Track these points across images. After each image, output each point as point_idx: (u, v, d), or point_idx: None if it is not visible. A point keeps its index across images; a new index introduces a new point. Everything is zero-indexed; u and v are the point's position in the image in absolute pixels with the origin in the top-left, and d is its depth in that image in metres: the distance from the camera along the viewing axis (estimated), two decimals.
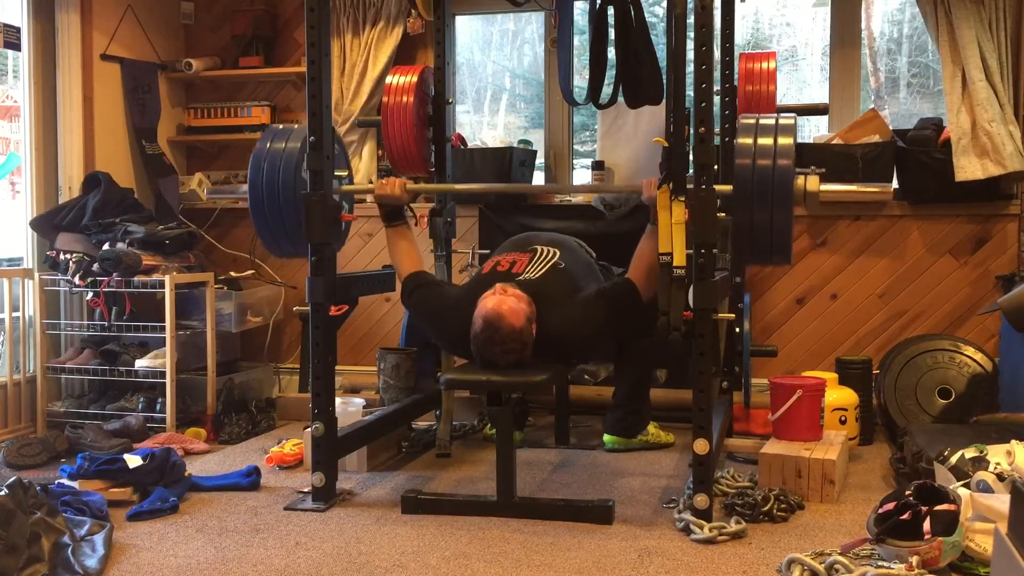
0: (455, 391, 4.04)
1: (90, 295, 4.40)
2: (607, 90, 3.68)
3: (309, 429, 3.33)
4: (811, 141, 4.46)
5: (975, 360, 3.98)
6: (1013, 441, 2.84)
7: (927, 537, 2.46)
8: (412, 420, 4.10)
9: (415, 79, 3.91)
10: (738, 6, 4.17)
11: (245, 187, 3.44)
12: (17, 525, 2.54)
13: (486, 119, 5.56)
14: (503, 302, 3.11)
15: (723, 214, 3.03)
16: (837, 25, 4.67)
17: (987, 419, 3.55)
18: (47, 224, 4.51)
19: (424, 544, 2.84)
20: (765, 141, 2.92)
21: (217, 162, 5.31)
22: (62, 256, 4.37)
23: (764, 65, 4.00)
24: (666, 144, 3.02)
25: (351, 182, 3.80)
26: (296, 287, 5.08)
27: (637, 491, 3.37)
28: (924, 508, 2.52)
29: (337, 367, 3.45)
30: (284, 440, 3.94)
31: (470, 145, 4.83)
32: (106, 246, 4.35)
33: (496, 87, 5.71)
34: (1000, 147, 4.13)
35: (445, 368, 3.89)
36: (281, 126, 3.56)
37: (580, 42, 4.50)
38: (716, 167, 2.96)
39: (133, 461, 3.29)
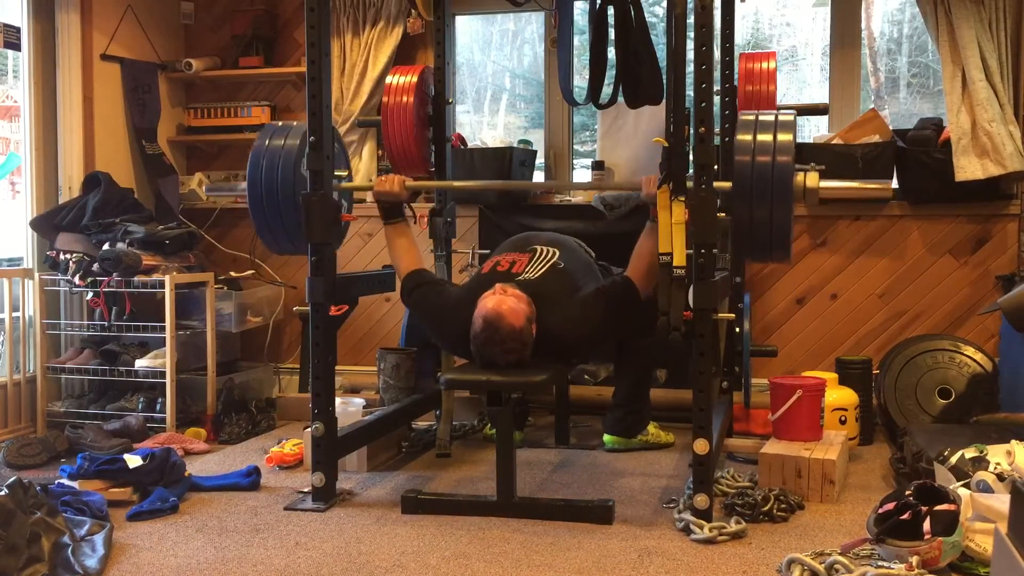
0: (455, 391, 4.04)
1: (90, 295, 4.40)
2: (607, 90, 3.68)
3: (309, 429, 3.33)
4: (811, 141, 4.46)
5: (975, 360, 3.98)
6: (1013, 441, 2.84)
7: (927, 537, 2.46)
8: (412, 420, 4.10)
9: (415, 79, 3.91)
10: (738, 6, 4.17)
11: (244, 184, 3.44)
12: (17, 525, 2.54)
13: (486, 119, 5.56)
14: (503, 302, 3.11)
15: (723, 214, 3.03)
16: (837, 25, 4.67)
17: (987, 419, 3.55)
18: (47, 224, 4.51)
19: (424, 544, 2.84)
20: (764, 137, 2.92)
21: (217, 162, 5.31)
22: (62, 256, 4.37)
23: (764, 65, 4.01)
24: (666, 144, 3.02)
25: (351, 182, 3.80)
26: (296, 287, 5.08)
27: (637, 491, 3.37)
28: (924, 508, 2.52)
29: (337, 367, 3.46)
30: (284, 440, 3.94)
31: (470, 145, 4.83)
32: (106, 246, 4.35)
33: (496, 87, 5.71)
34: (1000, 147, 4.13)
35: (445, 368, 3.89)
36: (280, 123, 3.56)
37: (580, 42, 4.50)
38: (716, 167, 2.95)
39: (133, 461, 3.29)
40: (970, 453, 2.86)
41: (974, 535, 2.51)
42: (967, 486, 2.70)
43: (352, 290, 3.55)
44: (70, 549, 2.64)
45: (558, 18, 3.63)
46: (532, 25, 5.40)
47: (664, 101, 3.31)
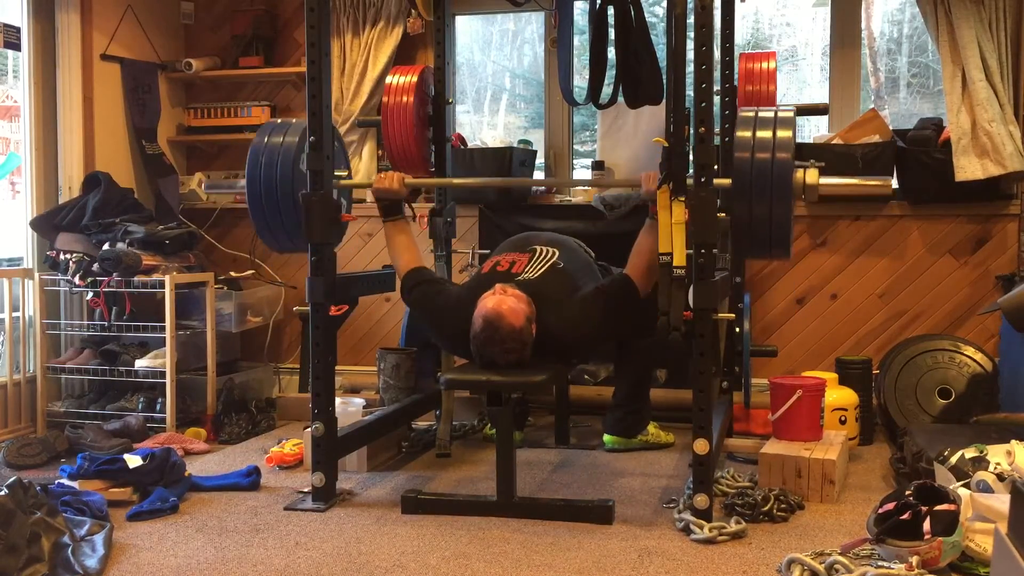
0: (455, 391, 4.04)
1: (90, 295, 4.40)
2: (607, 90, 3.68)
3: (309, 429, 3.33)
4: (811, 141, 4.46)
5: (975, 360, 3.98)
6: (1013, 441, 2.84)
7: (927, 537, 2.46)
8: (412, 420, 4.10)
9: (415, 79, 3.91)
10: (738, 6, 4.17)
11: (243, 182, 3.43)
12: (17, 525, 2.54)
13: (486, 119, 5.56)
14: (503, 302, 3.11)
15: (723, 214, 3.03)
16: (837, 25, 4.67)
17: (987, 419, 3.55)
18: (47, 224, 4.51)
19: (424, 544, 2.84)
20: (764, 134, 2.92)
21: (217, 162, 5.31)
22: (62, 256, 4.37)
23: (764, 65, 4.01)
24: (666, 144, 3.02)
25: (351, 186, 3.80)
26: (296, 287, 5.08)
27: (637, 491, 3.37)
28: (924, 508, 2.52)
29: (337, 367, 3.46)
30: (284, 440, 3.94)
31: (470, 145, 4.83)
32: (106, 246, 4.35)
33: (496, 87, 5.71)
34: (1000, 147, 4.13)
35: (445, 368, 3.89)
36: (279, 120, 3.56)
37: (580, 42, 4.50)
38: (716, 167, 2.95)
39: (133, 461, 3.29)
40: (970, 453, 2.86)
41: (974, 535, 2.51)
42: (967, 486, 2.70)
43: (352, 290, 3.55)
44: (70, 549, 2.64)
45: (558, 18, 3.63)
46: (532, 25, 5.40)
47: (664, 101, 3.31)
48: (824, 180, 3.01)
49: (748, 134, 2.93)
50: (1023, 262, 4.29)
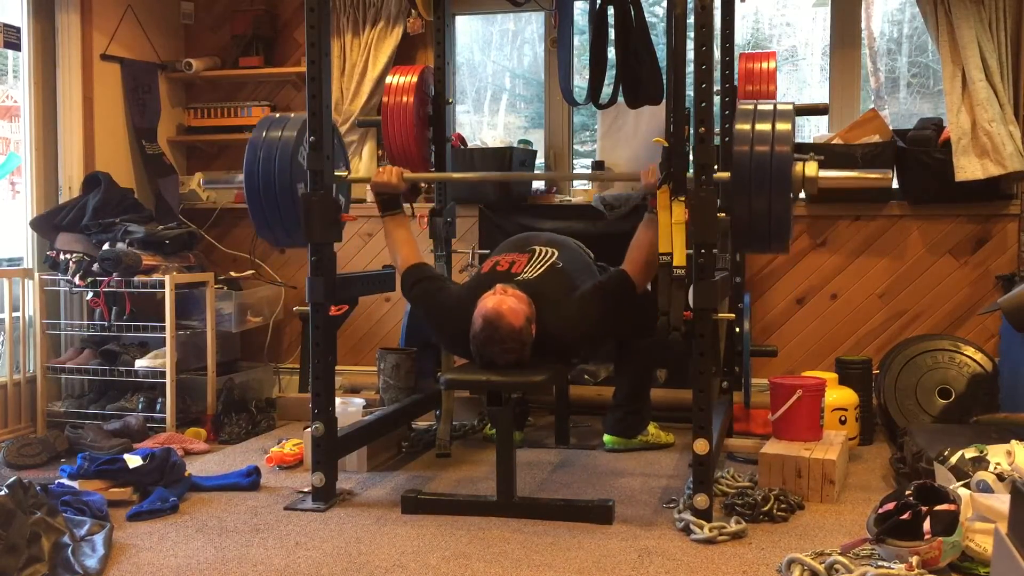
0: (455, 391, 4.04)
1: (90, 295, 4.40)
2: (607, 90, 3.68)
3: (309, 429, 3.33)
4: (811, 141, 4.46)
5: (975, 360, 3.98)
6: (1013, 441, 2.84)
7: (927, 537, 2.46)
8: (412, 420, 4.10)
9: (415, 79, 3.91)
10: (738, 6, 4.17)
11: (241, 177, 3.42)
12: (17, 525, 2.54)
13: (486, 119, 5.56)
14: (503, 302, 3.12)
15: (723, 214, 3.03)
16: (837, 25, 4.67)
17: (987, 419, 3.55)
18: (47, 224, 4.51)
19: (424, 544, 2.84)
20: (763, 127, 2.91)
21: (217, 162, 5.31)
22: (62, 256, 4.37)
23: (764, 65, 4.00)
24: (666, 144, 3.02)
25: (350, 183, 3.80)
26: (296, 287, 5.08)
27: (637, 491, 3.37)
28: (924, 508, 2.52)
29: (337, 367, 3.46)
30: (284, 440, 3.94)
31: (470, 145, 4.83)
32: (106, 246, 4.35)
33: (496, 87, 5.71)
34: (1000, 147, 4.13)
35: (445, 368, 3.89)
36: (277, 115, 3.55)
37: (580, 42, 4.50)
38: (716, 167, 2.95)
39: (133, 461, 3.29)
40: (970, 453, 2.86)
41: (974, 535, 2.51)
42: (967, 486, 2.70)
43: (352, 290, 3.55)
44: (70, 549, 2.64)
45: (558, 18, 3.63)
46: (532, 25, 5.40)
47: (664, 101, 3.31)
48: (823, 173, 3.00)
49: (747, 127, 2.93)
50: (1023, 262, 4.29)
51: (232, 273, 4.85)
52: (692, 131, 2.91)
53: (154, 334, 4.39)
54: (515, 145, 4.75)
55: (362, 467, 3.67)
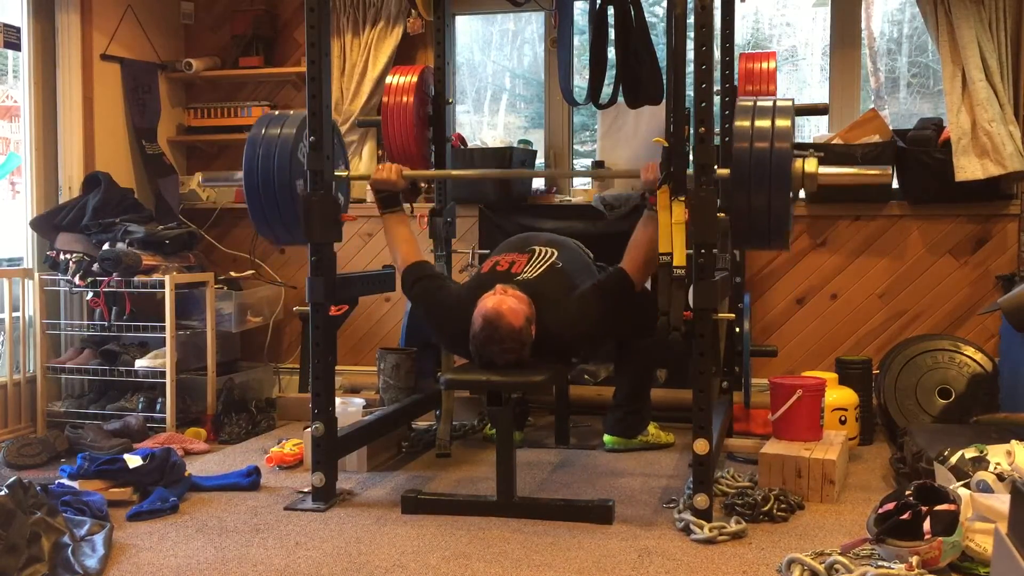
0: (455, 391, 4.04)
1: (90, 295, 4.40)
2: (607, 90, 3.68)
3: (309, 429, 3.33)
4: (811, 141, 4.46)
5: (975, 360, 3.98)
6: (1013, 441, 2.84)
7: (927, 537, 2.46)
8: (412, 420, 4.10)
9: (415, 79, 3.91)
10: (738, 6, 4.17)
11: (240, 174, 3.42)
12: (17, 525, 2.54)
13: (486, 119, 5.56)
14: (503, 302, 3.12)
15: (723, 214, 3.03)
16: (837, 25, 4.67)
17: (987, 419, 3.55)
18: (47, 224, 4.51)
19: (424, 544, 2.84)
20: (763, 124, 2.91)
21: (217, 162, 5.31)
22: (62, 256, 4.37)
23: (764, 65, 4.00)
24: (666, 144, 3.02)
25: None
26: (296, 287, 5.08)
27: (637, 491, 3.37)
28: (924, 508, 2.52)
29: (337, 367, 3.46)
30: (284, 440, 3.94)
31: (470, 145, 4.83)
32: (106, 246, 4.35)
33: (496, 87, 5.71)
34: (1000, 147, 4.13)
35: (445, 368, 3.89)
36: (277, 112, 3.55)
37: (580, 42, 4.50)
38: (716, 167, 2.95)
39: (133, 461, 3.29)
40: (970, 453, 2.86)
41: (974, 535, 2.51)
42: (967, 486, 2.70)
43: (352, 290, 3.55)
44: (70, 549, 2.64)
45: (558, 18, 3.63)
46: (532, 25, 5.40)
47: (664, 101, 3.31)
48: (823, 169, 3.00)
49: (747, 123, 2.92)
50: (1023, 262, 4.29)
51: (232, 273, 4.85)
52: (692, 131, 2.91)
53: (154, 334, 4.39)
54: (515, 145, 4.75)
55: (362, 467, 3.67)
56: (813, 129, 4.93)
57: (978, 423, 3.54)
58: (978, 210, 4.38)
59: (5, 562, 2.45)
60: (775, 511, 3.03)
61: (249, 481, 3.47)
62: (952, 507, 2.51)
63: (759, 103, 2.99)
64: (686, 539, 2.86)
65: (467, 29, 5.46)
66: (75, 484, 3.20)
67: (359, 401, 4.16)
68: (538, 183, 4.94)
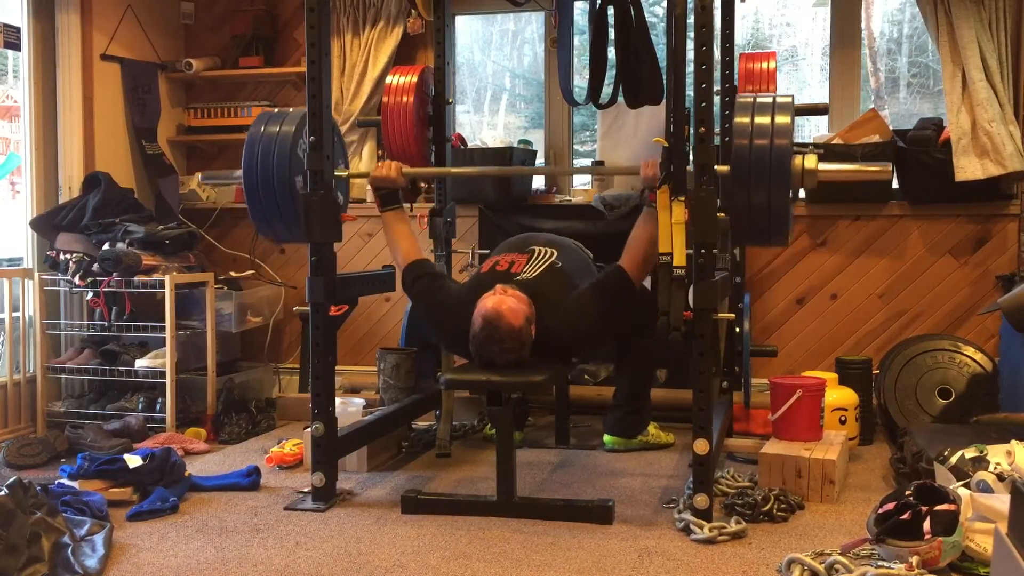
0: (455, 391, 4.04)
1: (90, 295, 4.40)
2: (607, 90, 3.68)
3: (309, 429, 3.33)
4: (811, 141, 4.46)
5: (975, 360, 3.98)
6: (1013, 441, 2.84)
7: (927, 537, 2.46)
8: (412, 420, 4.10)
9: (415, 79, 3.91)
10: (738, 6, 4.17)
11: (239, 172, 3.42)
12: (17, 525, 2.54)
13: (486, 119, 5.56)
14: (503, 302, 3.12)
15: (723, 214, 3.03)
16: (837, 25, 4.67)
17: (987, 419, 3.55)
18: (47, 224, 4.51)
19: (424, 544, 2.84)
20: (762, 120, 2.91)
21: (217, 162, 5.30)
22: (62, 256, 4.37)
23: (764, 65, 4.00)
24: (666, 144, 3.02)
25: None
26: (296, 287, 5.08)
27: (637, 491, 3.37)
28: (924, 508, 2.52)
29: (337, 367, 3.46)
30: (284, 440, 3.94)
31: (470, 145, 4.83)
32: (106, 246, 4.35)
33: (496, 87, 5.71)
34: (1000, 147, 4.13)
35: (445, 368, 3.89)
36: (276, 109, 3.55)
37: (580, 42, 4.50)
38: (716, 167, 2.95)
39: (133, 461, 3.29)
40: (970, 453, 2.86)
41: (974, 535, 2.51)
42: (967, 486, 2.70)
43: (352, 290, 3.55)
44: (70, 549, 2.64)
45: (558, 18, 3.63)
46: (532, 25, 5.40)
47: (664, 101, 3.31)
48: (823, 166, 3.00)
49: (746, 120, 2.92)
50: (1023, 262, 4.29)
51: (232, 273, 4.85)
52: (692, 131, 2.91)
53: (154, 334, 4.39)
54: (515, 145, 4.75)
55: (362, 467, 3.67)
56: (813, 129, 4.93)
57: (978, 423, 3.54)
58: (978, 210, 4.38)
59: (5, 562, 2.45)
60: (775, 511, 3.03)
61: (249, 481, 3.47)
62: (952, 507, 2.51)
63: (759, 99, 2.99)
64: (686, 539, 2.86)
65: (467, 29, 5.46)
66: (75, 484, 3.20)
67: (359, 401, 4.16)
68: (538, 183, 4.94)
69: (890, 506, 2.59)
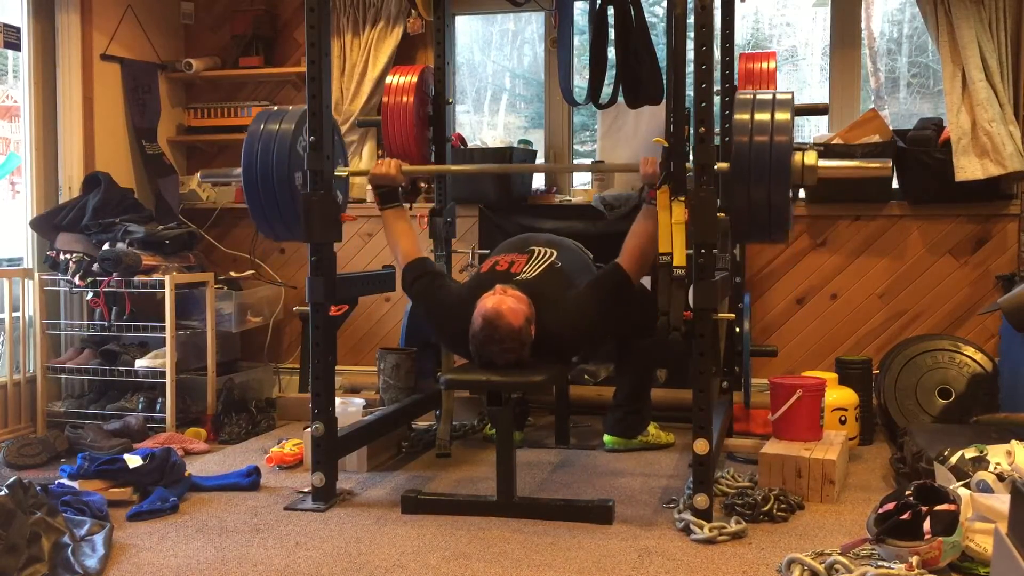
0: (455, 391, 4.04)
1: (90, 295, 4.40)
2: (607, 90, 3.68)
3: (309, 429, 3.33)
4: (811, 141, 4.46)
5: (975, 360, 3.98)
6: (1013, 441, 2.84)
7: (927, 537, 2.46)
8: (412, 420, 4.10)
9: (415, 79, 3.91)
10: (738, 6, 4.17)
11: (239, 170, 3.41)
12: (17, 525, 2.54)
13: (486, 119, 5.56)
14: (502, 302, 3.12)
15: (723, 215, 3.02)
16: (837, 25, 4.67)
17: (987, 419, 3.55)
18: (47, 224, 4.51)
19: (424, 544, 2.84)
20: (762, 117, 2.91)
21: (217, 162, 5.30)
22: (62, 256, 4.37)
23: (764, 65, 4.01)
24: (666, 144, 3.02)
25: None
26: (296, 287, 5.08)
27: (637, 491, 3.37)
28: (924, 508, 2.52)
29: (337, 367, 3.46)
30: (284, 440, 3.94)
31: (470, 145, 4.83)
32: (106, 246, 4.35)
33: (496, 87, 5.71)
34: (1000, 147, 4.13)
35: (445, 368, 3.89)
36: (276, 107, 3.55)
37: (580, 42, 4.50)
38: (716, 167, 2.95)
39: (133, 461, 3.29)
40: (970, 453, 2.86)
41: (974, 535, 2.51)
42: (967, 486, 2.70)
43: (352, 290, 3.55)
44: (70, 549, 2.64)
45: (558, 18, 3.63)
46: (532, 25, 5.40)
47: (664, 101, 3.31)
48: (823, 163, 3.00)
49: (746, 117, 2.92)
50: (1023, 262, 4.29)
51: (232, 273, 4.85)
52: (692, 131, 2.91)
53: (154, 334, 4.39)
54: (515, 145, 4.75)
55: (362, 467, 3.67)
56: (813, 129, 4.93)
57: (978, 423, 3.54)
58: (978, 210, 4.38)
59: (5, 562, 2.45)
60: (775, 511, 3.03)
61: (249, 481, 3.47)
62: (952, 507, 2.51)
63: (758, 96, 2.99)
64: (686, 539, 2.86)
65: (467, 29, 5.46)
66: (75, 484, 3.20)
67: (359, 401, 4.16)
68: (538, 183, 4.94)
69: (890, 506, 2.59)
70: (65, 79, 4.60)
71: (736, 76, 4.09)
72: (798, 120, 4.23)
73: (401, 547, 2.82)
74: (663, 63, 3.36)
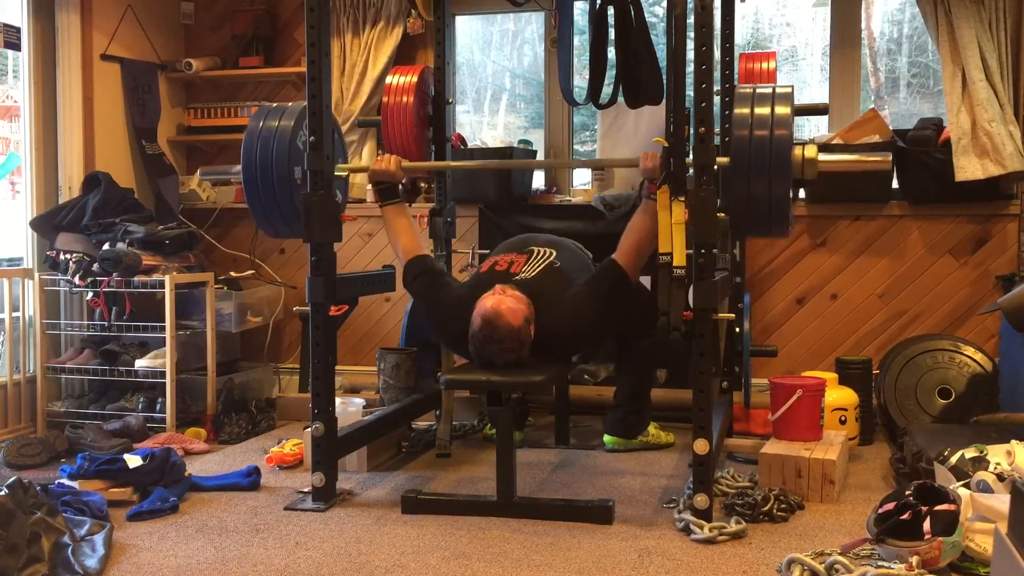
0: (455, 391, 4.04)
1: (90, 295, 4.40)
2: (607, 90, 3.68)
3: (309, 429, 3.33)
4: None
5: (975, 360, 3.98)
6: (1013, 441, 2.84)
7: (927, 537, 2.46)
8: (412, 420, 4.10)
9: (415, 79, 3.91)
10: (738, 6, 4.17)
11: (238, 168, 3.41)
12: (17, 525, 2.54)
13: (486, 119, 5.56)
14: (502, 302, 3.12)
15: (722, 215, 3.02)
16: (837, 25, 4.67)
17: (987, 419, 3.55)
18: (47, 224, 4.51)
19: (424, 544, 2.84)
20: (762, 111, 2.91)
21: (217, 162, 5.30)
22: (62, 256, 4.37)
23: (764, 65, 4.01)
24: (666, 144, 3.02)
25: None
26: (296, 287, 5.08)
27: (637, 491, 3.37)
28: (924, 508, 2.52)
29: (337, 367, 3.46)
30: (284, 440, 3.94)
31: (470, 145, 4.83)
32: (106, 246, 4.35)
33: (496, 87, 5.71)
34: (1000, 147, 4.13)
35: (445, 368, 3.89)
36: (274, 104, 3.55)
37: (580, 42, 4.50)
38: (716, 167, 2.95)
39: (133, 461, 3.29)
40: (970, 453, 2.86)
41: (974, 535, 2.51)
42: (967, 486, 2.70)
43: (352, 290, 3.55)
44: (70, 549, 2.64)
45: (558, 18, 3.63)
46: (532, 25, 5.40)
47: (664, 101, 3.31)
48: (823, 157, 3.00)
49: (746, 111, 2.92)
50: (1023, 262, 4.29)
51: (232, 273, 4.85)
52: (692, 131, 2.91)
53: (154, 334, 4.39)
54: (515, 145, 4.75)
55: (362, 467, 3.67)
56: (813, 129, 4.93)
57: (978, 423, 3.54)
58: (978, 210, 4.38)
59: (5, 562, 2.45)
60: (775, 511, 3.03)
61: (249, 481, 3.47)
62: (952, 507, 2.51)
63: (758, 90, 2.99)
64: (686, 539, 2.86)
65: (467, 29, 5.46)
66: (75, 484, 3.20)
67: (359, 401, 4.16)
68: (538, 183, 4.94)
69: (890, 506, 2.59)
70: (65, 79, 4.60)
71: (736, 76, 4.09)
72: (798, 120, 4.23)
73: (401, 547, 2.82)
74: (663, 63, 3.36)
